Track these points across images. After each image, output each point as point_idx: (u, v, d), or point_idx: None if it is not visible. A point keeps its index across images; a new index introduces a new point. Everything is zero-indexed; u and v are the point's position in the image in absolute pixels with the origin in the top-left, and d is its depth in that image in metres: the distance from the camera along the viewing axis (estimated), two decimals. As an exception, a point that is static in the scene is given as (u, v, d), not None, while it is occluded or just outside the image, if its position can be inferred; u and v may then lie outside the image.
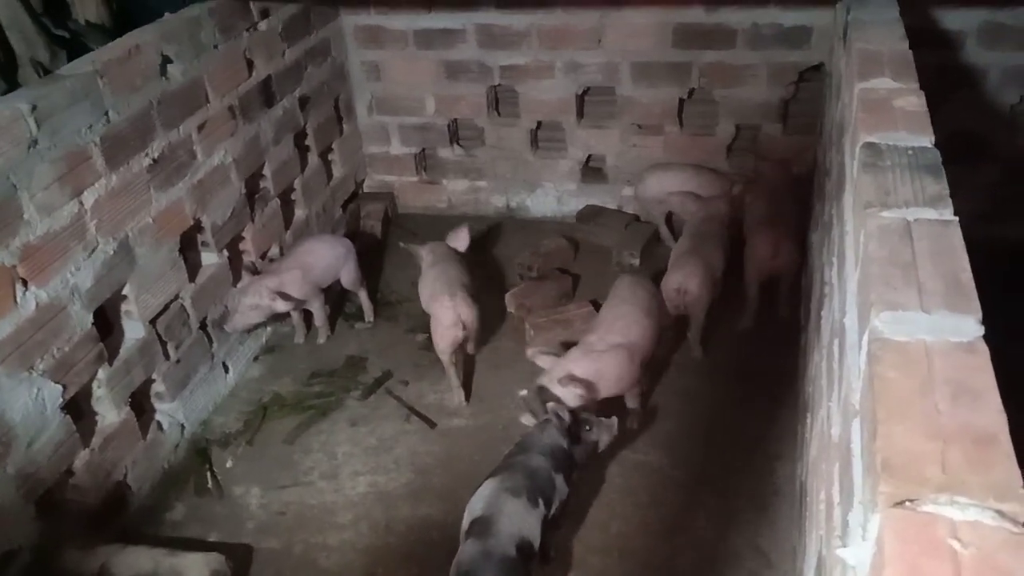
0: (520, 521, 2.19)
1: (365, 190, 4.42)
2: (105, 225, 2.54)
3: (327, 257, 3.39)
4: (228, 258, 3.23)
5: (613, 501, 2.67)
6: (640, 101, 3.85)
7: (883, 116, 1.78)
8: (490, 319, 3.39)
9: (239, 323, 3.15)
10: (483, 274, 3.51)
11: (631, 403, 2.87)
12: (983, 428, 0.97)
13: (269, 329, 3.53)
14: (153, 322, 2.80)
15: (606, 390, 2.70)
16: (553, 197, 4.23)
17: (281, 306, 3.18)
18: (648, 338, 2.82)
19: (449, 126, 4.18)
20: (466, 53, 3.92)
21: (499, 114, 4.12)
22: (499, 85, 4.00)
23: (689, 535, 2.54)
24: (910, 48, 2.18)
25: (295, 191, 3.72)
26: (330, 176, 4.04)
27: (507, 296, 3.50)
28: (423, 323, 3.24)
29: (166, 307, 2.86)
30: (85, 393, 2.57)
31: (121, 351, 2.68)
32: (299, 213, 3.76)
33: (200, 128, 2.96)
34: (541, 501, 2.26)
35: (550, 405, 2.50)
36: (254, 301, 3.13)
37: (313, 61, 3.75)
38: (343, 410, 3.14)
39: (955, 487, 0.89)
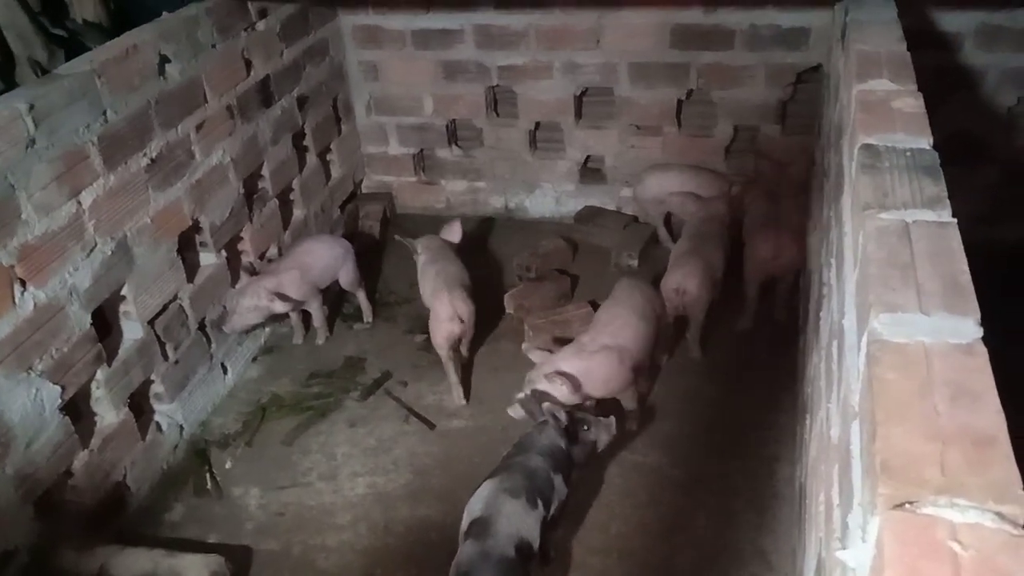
0: (519, 522, 2.19)
1: (363, 190, 4.41)
2: (103, 225, 2.53)
3: (325, 257, 3.39)
4: (226, 258, 3.22)
5: (612, 502, 2.67)
6: (638, 102, 3.84)
7: (881, 117, 1.78)
8: (489, 320, 3.39)
9: (238, 324, 3.15)
10: (482, 275, 3.50)
11: (627, 405, 2.86)
12: (982, 430, 0.97)
13: (268, 330, 3.52)
14: (152, 323, 2.80)
15: (593, 390, 2.70)
16: (552, 198, 4.23)
17: (279, 307, 3.18)
18: (641, 342, 2.80)
19: (447, 126, 4.17)
20: (464, 53, 3.92)
21: (497, 114, 4.11)
22: (497, 85, 3.99)
23: (689, 536, 2.54)
24: (908, 49, 2.18)
25: (293, 191, 3.71)
26: (328, 176, 4.04)
27: (506, 297, 3.50)
28: (422, 324, 3.24)
29: (165, 307, 2.86)
30: (84, 394, 2.57)
31: (120, 352, 2.68)
32: (297, 213, 3.76)
33: (198, 128, 2.96)
34: (540, 502, 2.25)
35: (546, 406, 2.49)
36: (252, 302, 3.12)
37: (311, 61, 3.75)
38: (342, 411, 3.14)
39: (954, 489, 0.89)
